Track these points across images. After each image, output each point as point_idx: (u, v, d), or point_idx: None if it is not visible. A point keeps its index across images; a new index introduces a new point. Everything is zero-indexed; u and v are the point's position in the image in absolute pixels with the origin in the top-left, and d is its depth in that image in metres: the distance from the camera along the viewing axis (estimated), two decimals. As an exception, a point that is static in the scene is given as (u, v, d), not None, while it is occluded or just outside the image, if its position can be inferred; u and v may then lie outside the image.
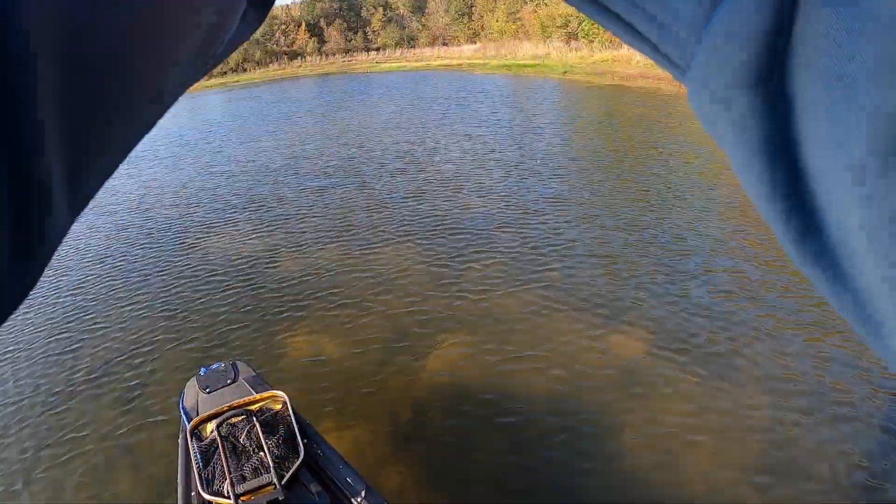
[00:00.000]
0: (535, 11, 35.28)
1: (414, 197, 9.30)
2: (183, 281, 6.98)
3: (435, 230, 7.71)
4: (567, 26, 31.93)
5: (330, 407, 4.29)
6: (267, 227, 8.62)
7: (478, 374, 4.58)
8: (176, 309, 6.25)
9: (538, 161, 10.81)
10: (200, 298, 6.42)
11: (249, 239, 8.16)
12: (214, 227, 8.93)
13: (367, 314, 5.64)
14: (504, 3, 39.97)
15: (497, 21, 39.26)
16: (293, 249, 7.58)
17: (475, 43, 39.56)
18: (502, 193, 9.04)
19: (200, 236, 8.54)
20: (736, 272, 5.95)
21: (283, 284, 6.53)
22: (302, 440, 2.97)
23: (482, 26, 42.14)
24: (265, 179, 11.57)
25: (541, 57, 29.78)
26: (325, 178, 11.10)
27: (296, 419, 3.10)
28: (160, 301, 6.51)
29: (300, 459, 2.86)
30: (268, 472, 2.77)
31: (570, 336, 4.97)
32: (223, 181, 11.90)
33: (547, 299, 5.60)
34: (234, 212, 9.60)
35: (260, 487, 2.73)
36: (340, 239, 7.76)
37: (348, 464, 2.97)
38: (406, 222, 8.13)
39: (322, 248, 7.53)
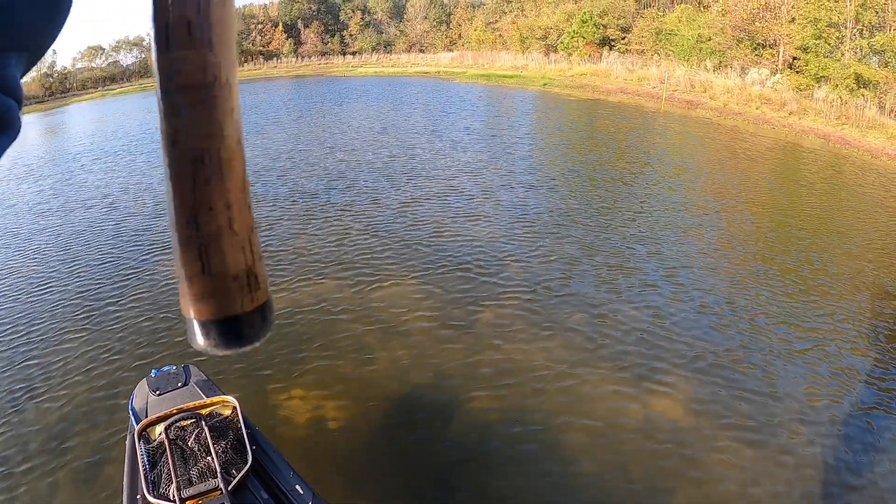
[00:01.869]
0: (514, 23, 35.68)
1: (411, 203, 9.27)
2: (159, 308, 6.20)
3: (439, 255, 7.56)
4: (546, 39, 32.36)
5: (339, 483, 3.73)
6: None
7: (506, 443, 4.06)
8: (150, 341, 5.48)
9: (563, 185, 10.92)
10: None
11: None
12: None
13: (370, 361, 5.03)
14: (482, 13, 40.36)
15: (475, 30, 39.58)
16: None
17: (452, 51, 39.74)
18: (513, 209, 9.12)
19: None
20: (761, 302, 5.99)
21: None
22: (251, 447, 2.94)
23: (459, 35, 42.45)
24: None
25: (519, 68, 30.06)
26: (315, 183, 10.92)
27: (245, 425, 3.06)
28: (134, 326, 5.77)
29: (248, 466, 2.84)
30: (214, 477, 2.74)
31: (606, 394, 4.50)
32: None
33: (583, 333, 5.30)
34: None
35: (206, 492, 2.70)
36: (329, 246, 7.66)
37: (297, 472, 2.95)
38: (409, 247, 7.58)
39: (312, 250, 7.40)
